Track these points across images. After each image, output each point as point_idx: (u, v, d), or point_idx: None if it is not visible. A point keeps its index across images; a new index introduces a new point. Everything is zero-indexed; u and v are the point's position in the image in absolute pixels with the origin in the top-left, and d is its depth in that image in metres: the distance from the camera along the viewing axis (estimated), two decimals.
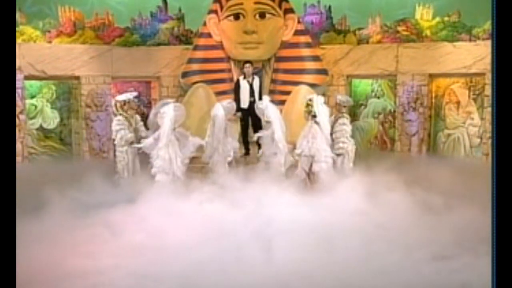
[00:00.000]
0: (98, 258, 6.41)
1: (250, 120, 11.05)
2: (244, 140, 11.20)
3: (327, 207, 7.96)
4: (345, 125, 9.68)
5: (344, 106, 9.86)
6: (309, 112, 9.26)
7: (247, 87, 11.02)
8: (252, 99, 10.96)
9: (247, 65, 11.12)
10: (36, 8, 13.41)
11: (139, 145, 9.54)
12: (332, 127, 9.63)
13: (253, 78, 11.09)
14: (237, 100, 11.01)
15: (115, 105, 10.30)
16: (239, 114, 11.03)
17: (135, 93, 10.26)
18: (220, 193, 8.35)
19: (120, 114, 9.87)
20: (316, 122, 9.21)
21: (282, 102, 12.22)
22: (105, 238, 7.00)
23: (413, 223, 7.36)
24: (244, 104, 11.06)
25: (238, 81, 11.27)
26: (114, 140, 10.06)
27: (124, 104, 9.89)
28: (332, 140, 9.55)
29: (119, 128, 9.77)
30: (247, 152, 11.07)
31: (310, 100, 9.38)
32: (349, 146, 9.62)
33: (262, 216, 7.63)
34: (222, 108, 9.81)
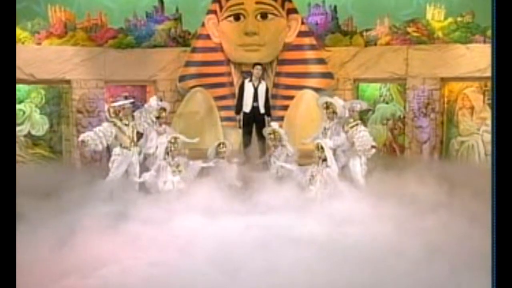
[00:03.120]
0: (87, 273, 6.33)
1: (253, 125, 11.08)
2: (246, 147, 11.15)
3: (335, 217, 8.03)
4: (366, 131, 9.78)
5: (359, 111, 9.95)
6: (319, 156, 9.33)
7: (252, 90, 11.11)
8: (255, 104, 11.02)
9: (259, 67, 11.16)
10: (24, 7, 13.30)
11: (139, 180, 9.66)
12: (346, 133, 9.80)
13: (259, 82, 11.10)
14: (240, 102, 11.14)
15: (108, 110, 10.20)
16: (239, 117, 11.07)
17: (131, 99, 10.18)
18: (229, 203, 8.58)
19: (112, 122, 9.77)
20: (327, 166, 9.28)
21: (285, 108, 12.26)
22: (95, 251, 6.85)
23: (420, 234, 7.36)
24: (247, 108, 11.15)
25: (243, 82, 11.31)
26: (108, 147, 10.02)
27: (119, 111, 9.81)
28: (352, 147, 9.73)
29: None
30: (247, 160, 10.86)
31: (320, 146, 9.40)
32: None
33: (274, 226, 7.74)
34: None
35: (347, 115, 9.87)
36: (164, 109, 10.58)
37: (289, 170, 9.72)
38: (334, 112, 10.06)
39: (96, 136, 9.47)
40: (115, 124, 9.69)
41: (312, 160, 9.51)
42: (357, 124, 9.80)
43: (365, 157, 9.65)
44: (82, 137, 9.54)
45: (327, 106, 10.12)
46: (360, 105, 9.99)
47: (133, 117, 9.93)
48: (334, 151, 9.79)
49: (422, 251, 6.81)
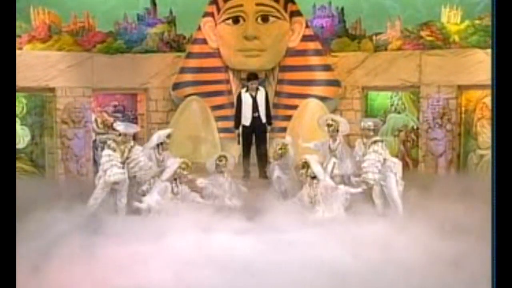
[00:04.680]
0: None
1: (253, 139, 10.98)
2: (245, 161, 10.98)
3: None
4: (376, 153, 9.42)
5: (372, 130, 9.67)
6: (307, 174, 9.21)
7: (250, 101, 11.05)
8: (255, 114, 10.99)
9: (255, 81, 11.11)
10: None
11: (140, 205, 9.32)
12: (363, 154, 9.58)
13: (257, 91, 11.04)
14: (238, 115, 11.09)
15: (96, 121, 10.12)
16: (238, 131, 11.04)
17: (138, 128, 10.16)
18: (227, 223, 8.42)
19: (109, 147, 9.46)
20: (319, 180, 9.19)
21: (287, 118, 12.22)
22: (74, 276, 6.69)
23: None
24: (246, 120, 11.05)
25: (240, 94, 11.24)
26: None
27: (111, 124, 9.79)
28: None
29: (110, 166, 9.32)
30: (246, 175, 10.83)
31: (305, 162, 9.30)
32: (378, 177, 9.37)
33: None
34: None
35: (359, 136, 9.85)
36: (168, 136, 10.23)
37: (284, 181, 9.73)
38: (338, 130, 9.93)
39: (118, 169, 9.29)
40: (106, 144, 9.53)
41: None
42: (375, 142, 9.51)
43: (399, 173, 9.48)
44: (113, 179, 9.29)
45: (330, 124, 9.94)
46: (374, 124, 9.77)
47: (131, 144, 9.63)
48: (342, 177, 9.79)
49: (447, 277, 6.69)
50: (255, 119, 10.98)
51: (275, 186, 9.97)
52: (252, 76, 11.16)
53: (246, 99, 11.03)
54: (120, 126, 9.67)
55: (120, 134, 9.53)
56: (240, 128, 11.20)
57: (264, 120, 11.10)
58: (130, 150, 9.50)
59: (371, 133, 9.62)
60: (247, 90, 11.08)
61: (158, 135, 10.03)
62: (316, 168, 9.15)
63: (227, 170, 9.90)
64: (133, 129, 9.78)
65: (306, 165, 9.20)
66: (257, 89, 11.11)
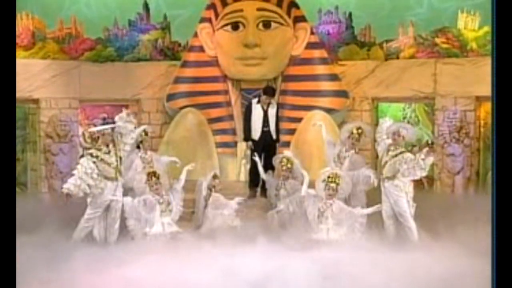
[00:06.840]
0: None
1: (261, 154, 10.64)
2: (252, 178, 10.67)
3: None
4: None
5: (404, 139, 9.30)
6: (333, 188, 8.86)
7: (261, 113, 10.76)
8: (266, 128, 10.71)
9: (268, 98, 10.78)
10: None
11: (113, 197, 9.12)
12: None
13: (269, 104, 10.78)
14: (248, 126, 10.75)
15: (83, 135, 10.58)
16: (249, 144, 10.72)
17: (112, 123, 9.76)
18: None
19: (90, 154, 9.15)
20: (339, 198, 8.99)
21: (291, 132, 12.10)
22: None
23: None
24: (255, 134, 10.72)
25: (250, 104, 10.99)
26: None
27: (98, 137, 9.40)
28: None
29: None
30: (253, 194, 10.52)
31: (335, 175, 9.00)
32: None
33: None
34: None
35: (389, 139, 9.35)
36: (145, 133, 10.12)
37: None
38: (359, 141, 9.72)
39: (80, 181, 8.89)
40: (92, 156, 9.10)
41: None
42: (402, 152, 9.15)
43: (411, 194, 9.14)
44: (65, 189, 8.99)
45: (359, 133, 9.67)
46: (407, 131, 9.32)
47: (113, 142, 9.31)
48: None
49: None
50: (265, 133, 10.71)
51: (280, 206, 9.62)
52: (270, 91, 10.83)
53: (257, 111, 10.75)
54: (96, 128, 9.53)
55: (98, 138, 9.26)
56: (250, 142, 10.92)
57: (274, 136, 10.84)
58: (114, 143, 9.25)
59: (401, 140, 9.27)
60: (258, 101, 10.81)
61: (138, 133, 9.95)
62: (346, 185, 8.92)
63: (219, 190, 9.60)
64: (109, 126, 9.45)
65: (335, 178, 8.86)
66: (270, 103, 10.83)
